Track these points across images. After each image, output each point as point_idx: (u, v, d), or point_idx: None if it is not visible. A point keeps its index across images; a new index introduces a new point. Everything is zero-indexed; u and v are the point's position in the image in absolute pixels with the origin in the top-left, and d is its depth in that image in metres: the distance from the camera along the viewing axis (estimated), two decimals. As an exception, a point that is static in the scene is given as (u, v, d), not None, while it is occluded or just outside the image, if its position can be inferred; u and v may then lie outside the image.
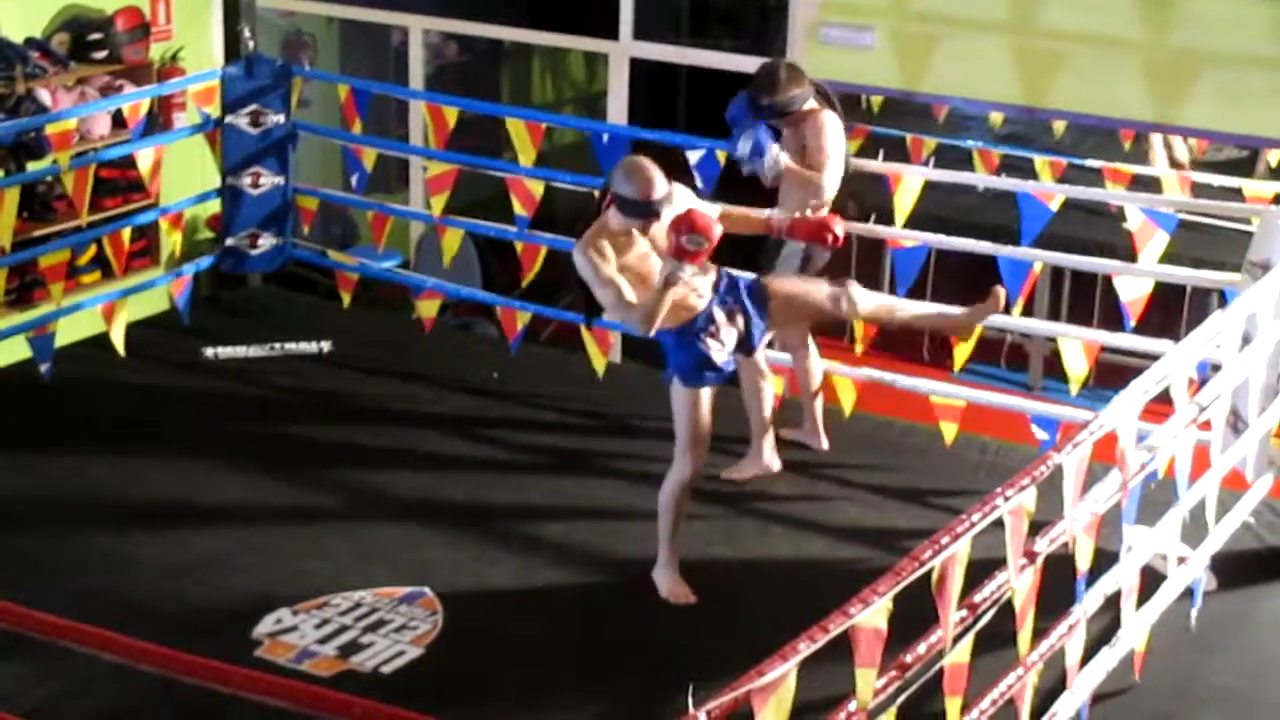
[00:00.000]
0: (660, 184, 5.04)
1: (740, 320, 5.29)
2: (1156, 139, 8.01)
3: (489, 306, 7.53)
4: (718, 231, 4.93)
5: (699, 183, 6.63)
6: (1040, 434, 6.19)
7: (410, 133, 8.46)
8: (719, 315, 5.24)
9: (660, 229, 5.07)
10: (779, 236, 5.60)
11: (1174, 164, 7.99)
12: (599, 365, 6.99)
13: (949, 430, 6.34)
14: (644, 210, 5.03)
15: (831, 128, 5.96)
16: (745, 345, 5.35)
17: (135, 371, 7.08)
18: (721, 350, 5.23)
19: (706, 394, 5.26)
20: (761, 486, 6.10)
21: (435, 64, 9.50)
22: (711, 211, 5.23)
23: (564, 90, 10.84)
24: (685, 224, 4.90)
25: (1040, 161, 7.00)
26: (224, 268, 7.80)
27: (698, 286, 5.18)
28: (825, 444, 6.40)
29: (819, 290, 5.40)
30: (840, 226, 5.46)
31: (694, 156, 6.65)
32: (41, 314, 6.98)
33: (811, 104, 5.94)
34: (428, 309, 7.43)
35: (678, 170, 6.62)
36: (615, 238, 5.08)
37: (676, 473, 5.35)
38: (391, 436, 6.64)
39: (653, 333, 5.10)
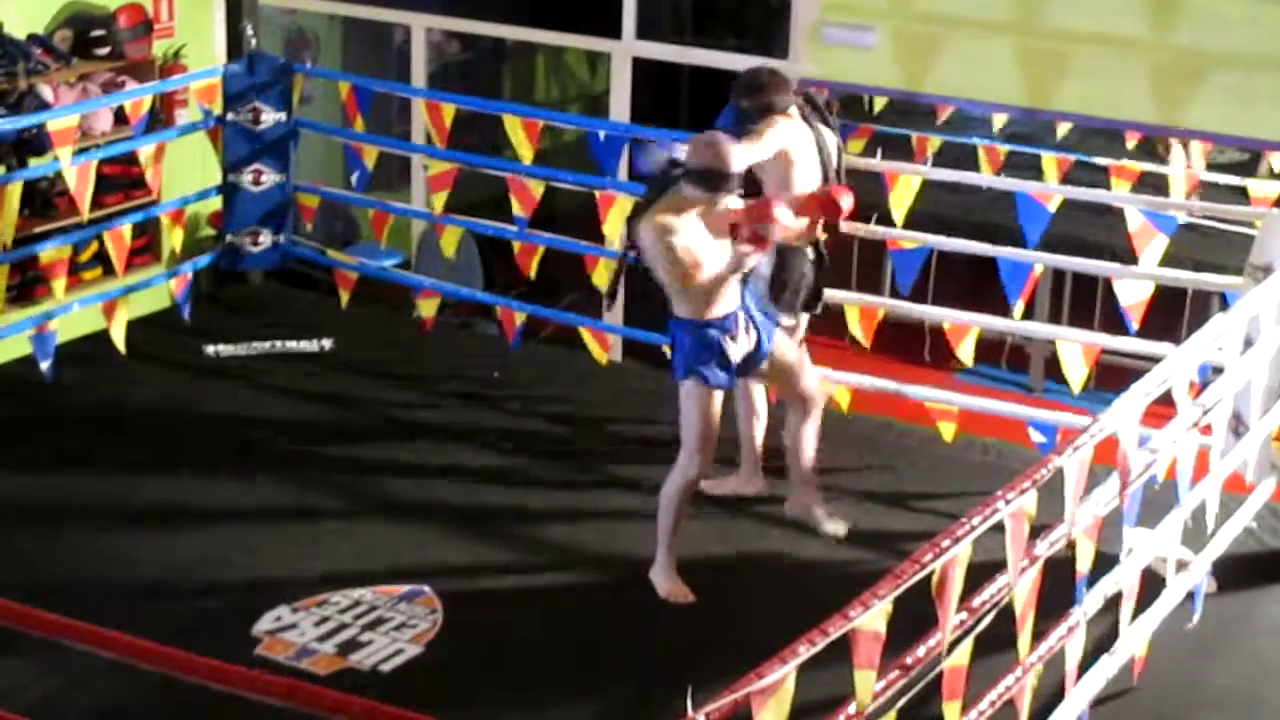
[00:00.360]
0: (737, 158, 5.11)
1: (753, 334, 5.33)
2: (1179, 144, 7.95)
3: (489, 305, 7.52)
4: (790, 221, 5.08)
5: None
6: (1038, 437, 6.17)
7: (412, 131, 8.45)
8: (741, 320, 5.28)
9: (722, 209, 5.14)
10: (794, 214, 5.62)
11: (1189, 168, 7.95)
12: (600, 357, 6.97)
13: (947, 429, 6.33)
14: (720, 182, 5.07)
15: (770, 139, 5.70)
16: (753, 359, 5.37)
17: (136, 369, 7.07)
18: (737, 352, 5.26)
19: (719, 396, 5.28)
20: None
21: (438, 62, 9.49)
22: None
23: (567, 89, 10.83)
24: (758, 211, 5.03)
25: (1046, 159, 6.99)
26: (224, 265, 7.79)
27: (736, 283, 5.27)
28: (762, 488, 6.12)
29: (804, 379, 5.56)
30: (847, 199, 5.47)
31: None
32: (42, 311, 6.98)
33: (792, 112, 5.82)
34: (428, 308, 7.43)
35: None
36: (681, 215, 5.10)
37: (681, 473, 5.35)
38: (392, 435, 6.64)
39: (708, 316, 5.16)
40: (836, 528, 5.81)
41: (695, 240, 5.08)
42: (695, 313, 5.19)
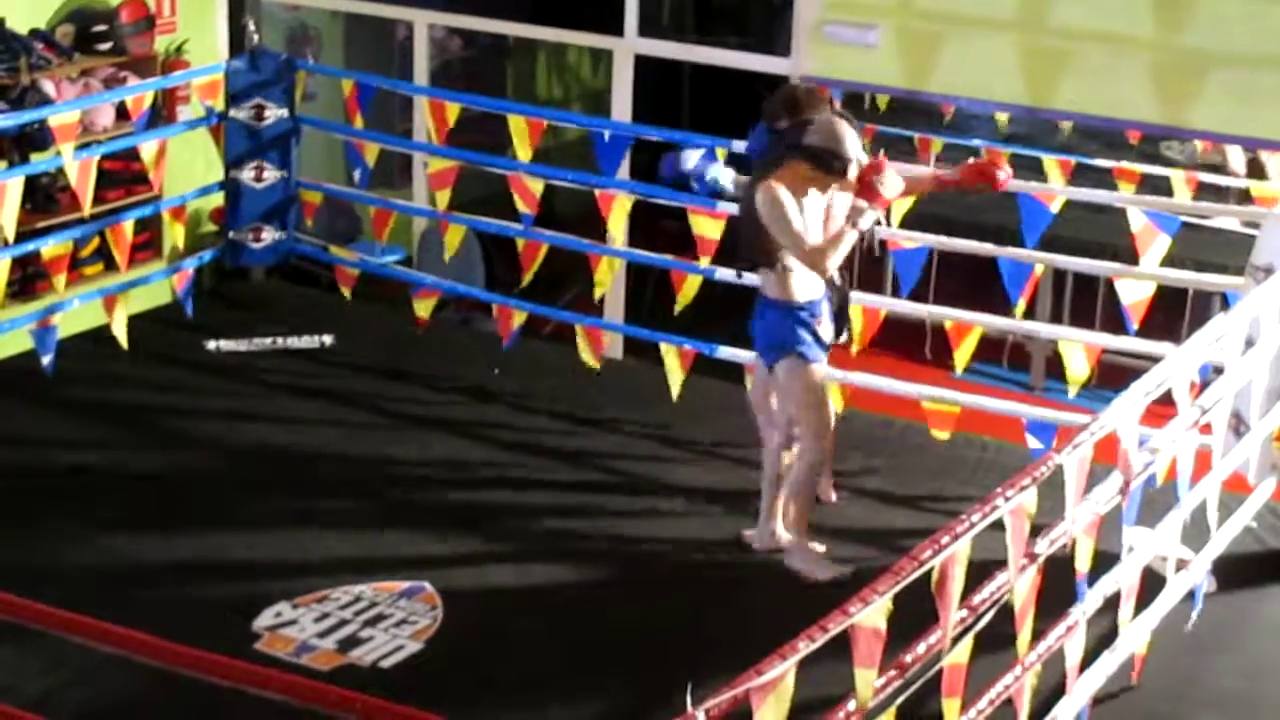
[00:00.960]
0: (854, 145, 5.23)
1: (832, 321, 5.47)
2: (1234, 150, 7.87)
3: (489, 302, 7.51)
4: (901, 182, 5.25)
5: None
6: (1034, 442, 6.16)
7: (414, 128, 8.45)
8: (825, 307, 5.41)
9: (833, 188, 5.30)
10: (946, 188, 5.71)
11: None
12: (589, 360, 6.94)
13: (940, 435, 6.33)
14: (833, 163, 5.20)
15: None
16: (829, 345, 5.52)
17: (137, 364, 7.08)
18: (825, 332, 5.40)
19: (818, 370, 5.40)
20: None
21: (440, 59, 9.49)
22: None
23: (569, 86, 10.82)
24: (876, 167, 5.20)
25: (1049, 161, 6.99)
26: (226, 261, 7.80)
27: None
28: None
29: (809, 414, 5.45)
30: (1005, 173, 5.57)
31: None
32: (44, 306, 6.98)
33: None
34: (424, 307, 7.42)
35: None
36: (794, 186, 5.22)
37: (811, 453, 5.42)
38: (392, 431, 6.64)
39: (829, 272, 5.29)
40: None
41: (805, 212, 5.24)
42: (785, 294, 5.32)
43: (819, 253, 5.22)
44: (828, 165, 5.20)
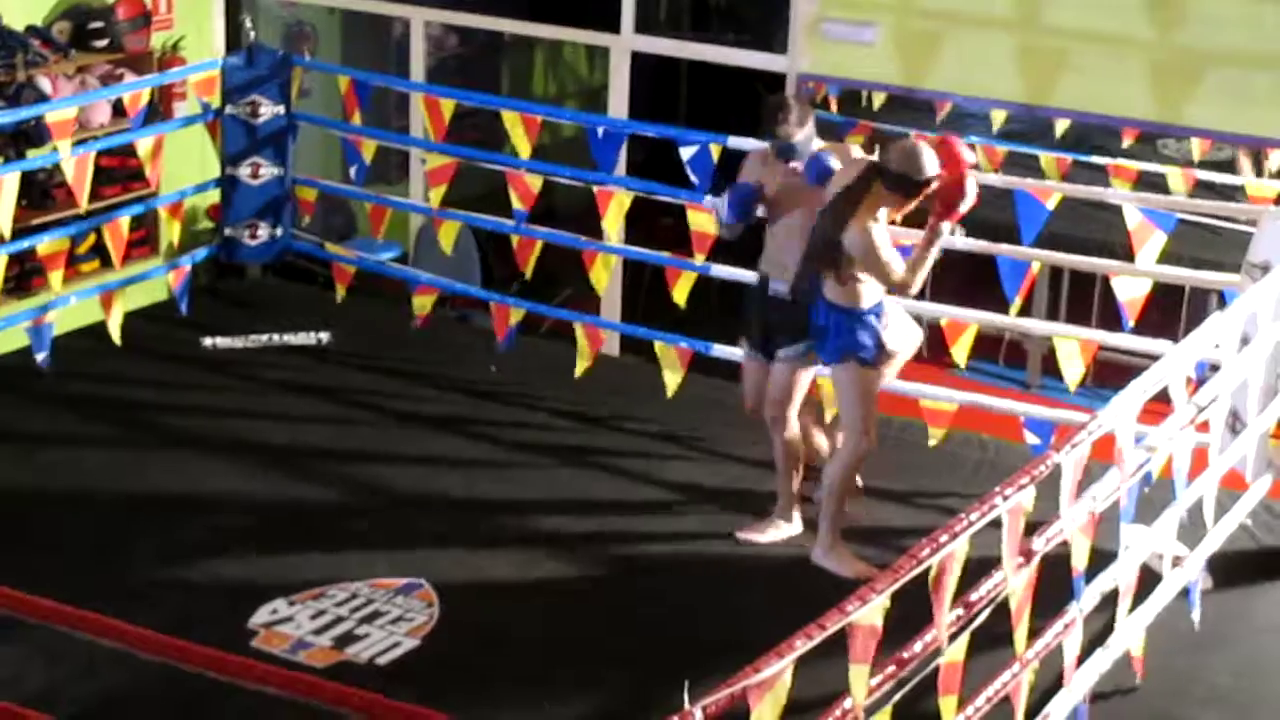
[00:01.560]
0: (932, 166, 5.32)
1: (888, 319, 5.55)
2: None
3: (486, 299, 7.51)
4: (977, 188, 5.39)
5: (693, 178, 6.61)
6: (1033, 439, 6.17)
7: (410, 125, 8.44)
8: (888, 307, 5.50)
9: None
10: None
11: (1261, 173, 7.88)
12: (582, 364, 6.90)
13: (936, 434, 6.34)
14: (913, 189, 5.31)
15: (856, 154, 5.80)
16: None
17: (133, 361, 7.07)
18: (887, 333, 5.50)
19: (872, 372, 5.49)
20: (759, 484, 6.10)
21: (436, 56, 9.48)
22: None
23: (565, 83, 10.82)
24: (959, 187, 5.31)
25: (1046, 158, 6.99)
26: (223, 258, 7.79)
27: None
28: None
29: (856, 413, 5.51)
30: (966, 149, 5.59)
31: (687, 153, 6.62)
32: (40, 303, 6.97)
33: (819, 140, 5.69)
34: (422, 304, 7.41)
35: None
36: (880, 216, 5.36)
37: (851, 453, 5.50)
38: (389, 428, 6.64)
39: (865, 305, 5.40)
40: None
41: (879, 224, 5.36)
42: (852, 300, 5.41)
43: (906, 283, 5.38)
44: (907, 190, 5.32)
